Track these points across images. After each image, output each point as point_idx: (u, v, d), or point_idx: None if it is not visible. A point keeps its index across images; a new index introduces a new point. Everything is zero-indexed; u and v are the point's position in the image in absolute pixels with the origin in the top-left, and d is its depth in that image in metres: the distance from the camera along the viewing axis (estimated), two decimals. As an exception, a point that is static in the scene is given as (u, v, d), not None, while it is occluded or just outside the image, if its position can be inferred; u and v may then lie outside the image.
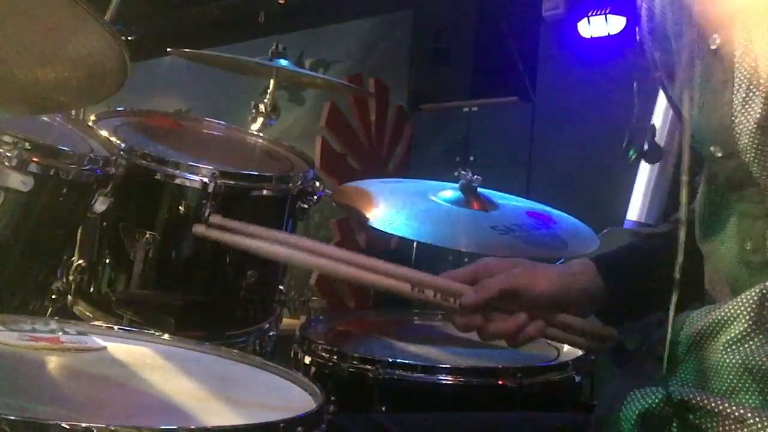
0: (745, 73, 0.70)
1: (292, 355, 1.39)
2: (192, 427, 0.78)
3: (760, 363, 0.65)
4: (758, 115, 0.69)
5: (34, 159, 1.24)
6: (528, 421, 1.02)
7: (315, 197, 1.66)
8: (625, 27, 3.55)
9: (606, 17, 3.59)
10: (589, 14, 3.67)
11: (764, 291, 0.66)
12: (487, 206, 1.64)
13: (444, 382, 1.22)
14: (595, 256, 1.09)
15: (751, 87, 0.69)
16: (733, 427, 0.64)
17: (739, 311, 0.67)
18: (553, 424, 1.01)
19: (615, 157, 3.19)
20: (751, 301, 0.66)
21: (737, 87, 0.71)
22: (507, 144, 4.02)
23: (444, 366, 1.25)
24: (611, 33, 3.57)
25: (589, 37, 3.67)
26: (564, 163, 3.66)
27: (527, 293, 1.04)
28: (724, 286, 0.73)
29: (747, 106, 0.69)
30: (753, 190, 0.69)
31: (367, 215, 1.60)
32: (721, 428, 0.65)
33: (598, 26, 3.63)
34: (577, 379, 1.29)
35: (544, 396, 1.25)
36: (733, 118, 0.71)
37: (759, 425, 0.63)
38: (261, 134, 1.93)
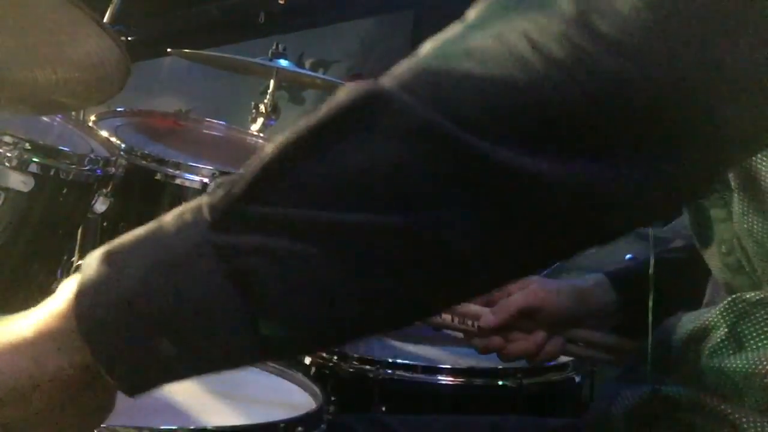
0: None
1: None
2: (192, 427, 0.78)
3: (738, 370, 0.66)
4: None
5: (34, 159, 1.25)
6: (531, 424, 1.02)
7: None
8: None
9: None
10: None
11: (737, 302, 0.67)
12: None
13: (444, 382, 1.22)
14: (608, 271, 1.08)
15: None
16: (717, 422, 0.65)
17: (718, 320, 0.68)
18: (555, 428, 1.01)
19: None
20: (727, 311, 0.67)
21: None
22: (507, 144, 4.01)
23: (444, 366, 1.25)
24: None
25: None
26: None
27: (545, 310, 1.03)
28: (721, 289, 0.74)
29: None
30: (716, 195, 0.70)
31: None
32: (705, 424, 0.66)
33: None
34: (577, 379, 1.30)
35: (543, 396, 1.26)
36: None
37: (739, 420, 0.64)
38: (261, 134, 1.93)
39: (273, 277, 0.44)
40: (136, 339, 0.45)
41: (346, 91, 0.46)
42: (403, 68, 0.46)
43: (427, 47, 0.48)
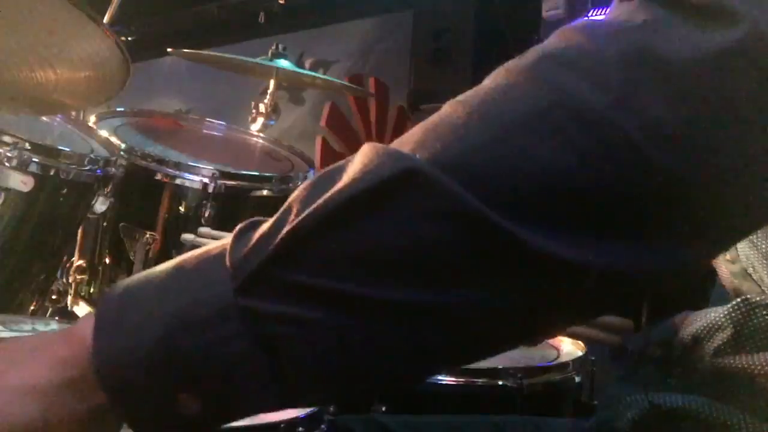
0: None
1: None
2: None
3: (742, 371, 0.66)
4: None
5: (34, 159, 1.25)
6: (531, 424, 1.02)
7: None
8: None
9: (606, 17, 3.59)
10: (589, 15, 3.67)
11: (745, 303, 0.67)
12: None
13: (444, 382, 1.22)
14: None
15: None
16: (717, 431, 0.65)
17: (725, 320, 0.68)
18: (556, 428, 1.01)
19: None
20: (734, 312, 0.68)
21: None
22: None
23: (444, 366, 1.25)
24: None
25: (589, 37, 3.66)
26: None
27: None
28: (729, 294, 0.74)
29: None
30: None
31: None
32: None
33: (598, 26, 3.63)
34: (577, 379, 1.29)
35: (544, 396, 1.25)
36: None
37: (739, 428, 0.64)
38: (261, 134, 1.93)
39: (301, 345, 0.44)
40: (159, 396, 0.45)
41: (377, 158, 0.44)
42: (436, 138, 0.45)
43: (460, 115, 0.46)
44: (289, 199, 0.46)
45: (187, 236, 1.37)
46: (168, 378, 0.44)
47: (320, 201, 0.44)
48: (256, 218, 0.47)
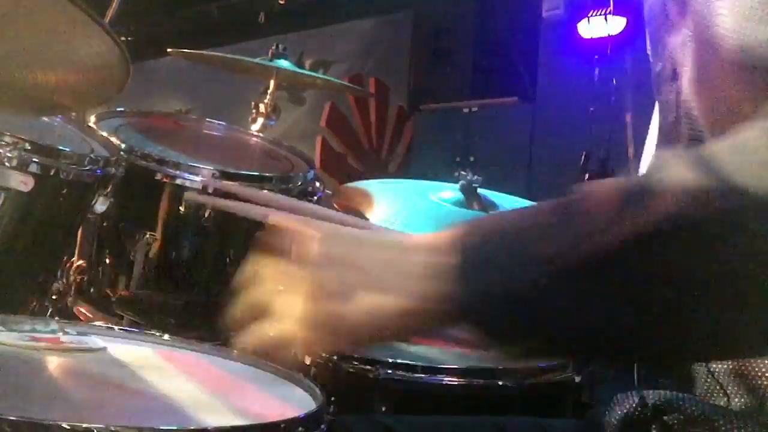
0: (662, 100, 0.78)
1: (292, 354, 1.39)
2: (192, 427, 0.78)
3: (733, 370, 0.67)
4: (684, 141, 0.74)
5: (34, 159, 1.25)
6: (532, 424, 1.02)
7: (315, 197, 1.66)
8: (625, 27, 3.55)
9: (606, 18, 3.59)
10: (589, 15, 3.67)
11: None
12: (487, 207, 1.64)
13: (444, 382, 1.22)
14: None
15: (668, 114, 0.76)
16: (703, 428, 0.66)
17: None
18: (556, 429, 1.01)
19: (615, 156, 3.20)
20: None
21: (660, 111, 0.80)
22: (507, 144, 4.02)
23: (444, 366, 1.25)
24: (611, 33, 3.57)
25: (589, 37, 3.67)
26: (564, 164, 3.66)
27: None
28: None
29: (675, 130, 0.75)
30: None
31: (368, 215, 1.60)
32: (692, 430, 0.67)
33: (598, 27, 3.63)
34: (577, 379, 1.30)
35: (544, 396, 1.25)
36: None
37: (725, 427, 0.65)
38: (261, 134, 1.93)
39: None
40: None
41: (704, 187, 0.51)
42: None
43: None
44: (601, 206, 0.54)
45: (190, 194, 1.40)
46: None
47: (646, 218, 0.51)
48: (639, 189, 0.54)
